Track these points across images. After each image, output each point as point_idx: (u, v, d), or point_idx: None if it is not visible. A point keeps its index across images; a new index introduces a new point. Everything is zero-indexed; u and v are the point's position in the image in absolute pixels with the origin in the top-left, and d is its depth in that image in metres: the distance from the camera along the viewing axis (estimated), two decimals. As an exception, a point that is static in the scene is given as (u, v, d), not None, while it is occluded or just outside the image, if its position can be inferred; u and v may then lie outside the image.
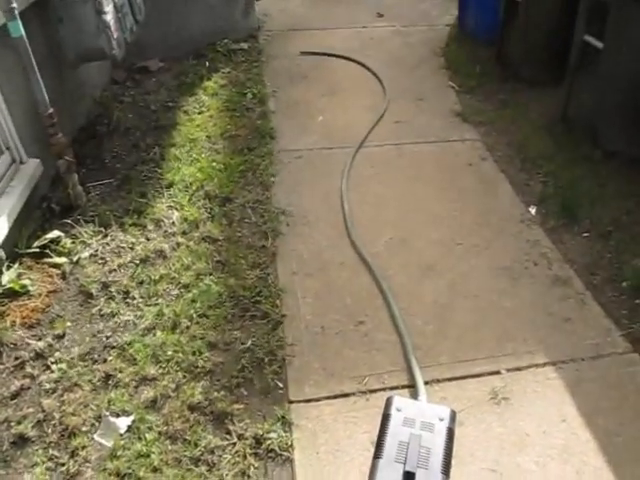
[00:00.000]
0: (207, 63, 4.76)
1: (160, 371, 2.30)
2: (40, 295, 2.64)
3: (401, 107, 4.24)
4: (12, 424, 2.12)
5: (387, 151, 3.73)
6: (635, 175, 3.40)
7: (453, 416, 1.97)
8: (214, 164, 3.46)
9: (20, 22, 2.70)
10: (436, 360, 2.38)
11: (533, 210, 3.27)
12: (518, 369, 2.36)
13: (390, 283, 2.72)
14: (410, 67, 4.98)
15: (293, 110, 4.15)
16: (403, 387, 2.25)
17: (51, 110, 2.92)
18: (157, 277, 2.71)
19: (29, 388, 2.25)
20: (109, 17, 3.14)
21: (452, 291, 2.73)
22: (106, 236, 2.94)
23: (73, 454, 2.03)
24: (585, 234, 3.10)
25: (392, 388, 2.23)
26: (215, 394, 2.21)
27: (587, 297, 2.71)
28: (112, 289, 2.65)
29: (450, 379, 2.31)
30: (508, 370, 2.35)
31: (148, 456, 2.01)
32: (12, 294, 2.60)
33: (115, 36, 3.22)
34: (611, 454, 2.06)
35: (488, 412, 2.19)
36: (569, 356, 2.42)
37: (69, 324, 2.51)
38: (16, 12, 2.67)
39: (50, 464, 2.00)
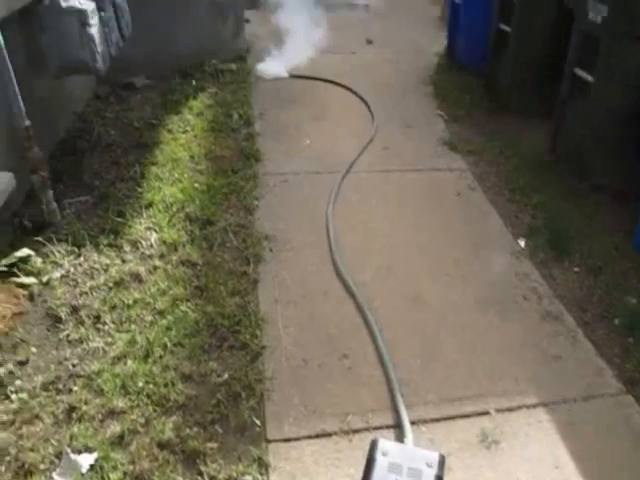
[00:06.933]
0: (194, 82, 4.67)
1: (129, 404, 2.14)
2: (4, 317, 2.47)
3: (389, 133, 4.19)
4: (-38, 460, 1.95)
5: (375, 178, 3.65)
6: (621, 209, 3.37)
7: (442, 462, 1.84)
8: (196, 185, 3.34)
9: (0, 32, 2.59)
10: (423, 398, 2.26)
11: (522, 242, 3.20)
12: (509, 409, 2.24)
13: (376, 314, 2.61)
14: (399, 94, 4.97)
15: (280, 133, 4.07)
16: (388, 427, 2.12)
17: (28, 123, 2.79)
18: (131, 302, 2.56)
19: (-16, 420, 2.08)
20: (94, 30, 3.04)
21: (440, 324, 2.62)
22: (79, 256, 2.80)
23: (28, 495, 1.86)
24: (575, 269, 3.04)
25: (376, 428, 2.10)
26: (187, 431, 2.05)
27: (578, 334, 2.62)
28: (82, 313, 2.50)
29: (438, 419, 2.18)
30: (498, 411, 2.24)
31: (111, 499, 1.85)
32: (-26, 315, 2.44)
33: (99, 50, 3.12)
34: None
35: (478, 456, 2.07)
36: (561, 396, 2.32)
37: (34, 350, 2.35)
38: (-5, 21, 2.56)
39: (2, 506, 1.83)
